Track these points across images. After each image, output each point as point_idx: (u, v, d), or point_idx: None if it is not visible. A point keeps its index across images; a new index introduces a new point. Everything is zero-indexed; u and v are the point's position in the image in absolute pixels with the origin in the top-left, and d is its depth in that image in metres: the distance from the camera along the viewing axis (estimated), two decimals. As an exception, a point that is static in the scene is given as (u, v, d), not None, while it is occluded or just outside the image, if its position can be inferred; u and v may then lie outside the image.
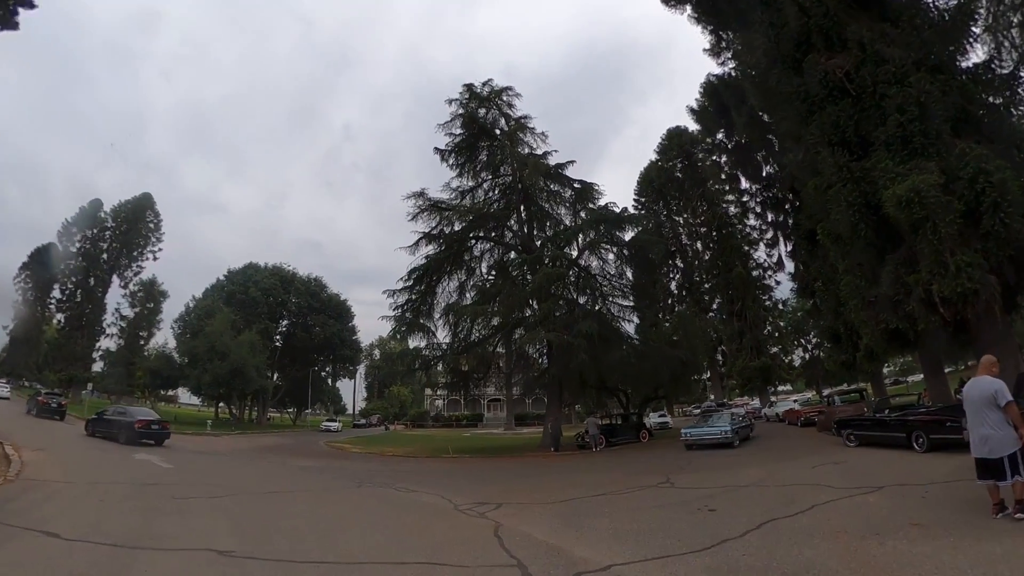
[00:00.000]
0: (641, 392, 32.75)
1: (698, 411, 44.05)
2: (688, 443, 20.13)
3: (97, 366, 60.77)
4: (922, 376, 24.70)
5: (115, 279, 60.31)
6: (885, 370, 45.07)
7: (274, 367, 64.74)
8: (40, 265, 56.89)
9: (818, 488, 9.58)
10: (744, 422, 23.18)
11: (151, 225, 62.60)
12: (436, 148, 30.32)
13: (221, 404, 58.83)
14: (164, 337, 70.03)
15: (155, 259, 62.61)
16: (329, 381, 78.69)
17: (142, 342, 61.39)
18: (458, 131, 29.96)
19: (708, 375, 53.80)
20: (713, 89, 36.02)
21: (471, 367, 31.01)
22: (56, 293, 58.83)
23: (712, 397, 56.57)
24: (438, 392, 67.21)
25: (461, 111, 29.61)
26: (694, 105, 40.16)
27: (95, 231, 59.68)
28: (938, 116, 15.53)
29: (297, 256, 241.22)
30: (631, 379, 28.66)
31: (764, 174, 38.60)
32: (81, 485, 11.65)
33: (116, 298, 60.46)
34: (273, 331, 63.99)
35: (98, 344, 59.81)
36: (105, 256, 59.71)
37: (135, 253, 61.44)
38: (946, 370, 21.87)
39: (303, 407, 74.85)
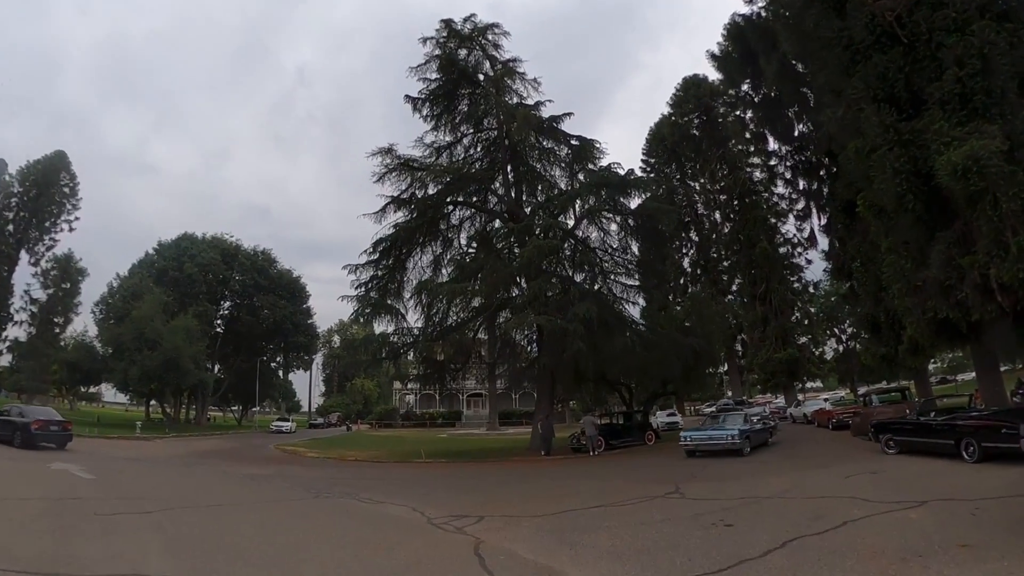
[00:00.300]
0: (647, 387, 33.04)
1: (711, 409, 44.52)
2: (689, 448, 20.09)
3: (4, 360, 60.02)
4: (974, 375, 25.06)
5: (23, 255, 59.00)
6: (931, 366, 45.66)
7: (215, 357, 64.50)
8: (-72, 239, 55.74)
9: (851, 501, 9.73)
10: (762, 424, 23.37)
11: (66, 190, 61.22)
12: (407, 96, 30.01)
13: (153, 402, 58.54)
14: (84, 324, 69.05)
15: (71, 230, 61.44)
16: (280, 373, 78.65)
17: (57, 330, 60.28)
18: (434, 76, 29.61)
19: (725, 368, 54.39)
20: (739, 31, 35.76)
21: (448, 356, 31.06)
22: (-50, 273, 57.84)
23: (730, 394, 57.34)
24: (409, 386, 67.32)
25: (438, 52, 29.22)
26: (715, 50, 39.90)
27: (-2, 197, 58.52)
28: (1004, 72, 15.52)
29: (241, 225, 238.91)
30: (635, 371, 28.86)
31: (796, 134, 38.54)
32: (-16, 501, 11.56)
33: (25, 278, 58.95)
34: (213, 314, 63.64)
35: (5, 334, 58.74)
36: (11, 228, 58.28)
37: (47, 223, 60.08)
38: (1002, 368, 22.15)
39: (250, 404, 74.73)
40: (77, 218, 61.37)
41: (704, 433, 20.58)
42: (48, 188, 59.34)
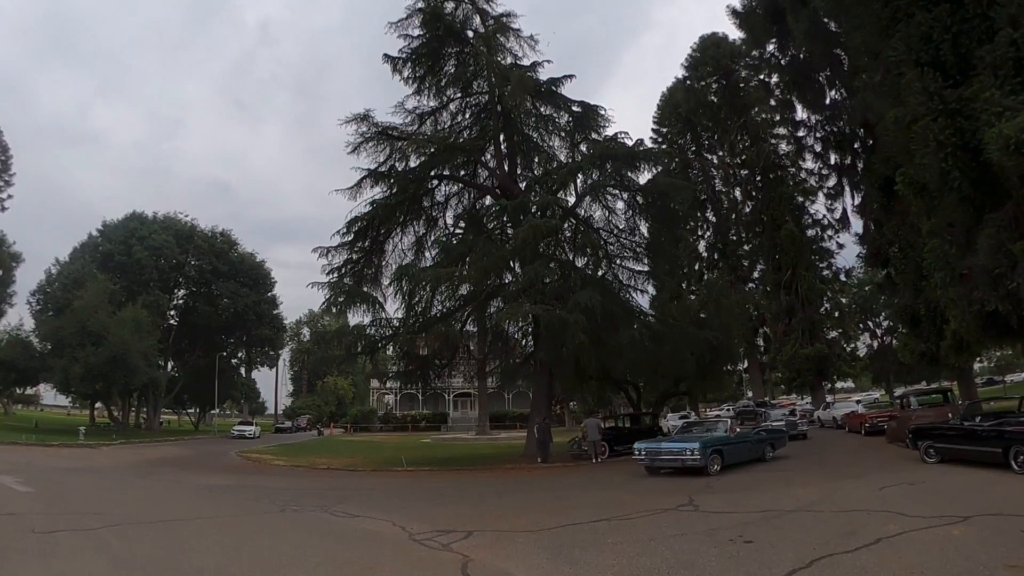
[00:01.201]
0: (656, 386, 33.19)
1: (728, 411, 44.79)
2: (646, 464, 18.95)
3: None
4: (1024, 376, 25.21)
5: (-53, 238, 58.97)
6: (977, 365, 45.97)
7: (168, 353, 64.45)
8: None
9: (887, 516, 9.81)
10: (759, 432, 22.01)
11: (-4, 164, 61.05)
12: (387, 55, 29.74)
13: (98, 405, 58.48)
14: (18, 316, 68.73)
15: (3, 209, 60.61)
16: (242, 371, 78.84)
17: (-12, 323, 60.22)
18: (417, 32, 29.35)
19: (745, 366, 54.63)
20: (765, -18, 35.81)
21: (432, 351, 31.02)
22: None
23: (750, 394, 57.57)
24: (388, 385, 67.30)
25: (421, 5, 28.97)
26: (737, 5, 40.00)
27: (-81, 173, 58.07)
28: (1064, 35, 15.53)
29: (198, 203, 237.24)
30: (644, 368, 28.95)
31: (828, 101, 38.66)
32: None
33: (-50, 264, 59.14)
34: (166, 304, 63.50)
35: (-74, 329, 58.72)
36: (-65, 208, 58.22)
37: (-26, 202, 59.97)
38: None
39: (208, 407, 74.82)
40: (10, 196, 60.52)
41: (658, 446, 19.26)
42: (-25, 163, 58.92)
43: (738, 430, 21.06)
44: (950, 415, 19.45)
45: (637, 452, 19.07)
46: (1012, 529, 8.52)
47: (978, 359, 41.20)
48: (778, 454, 20.92)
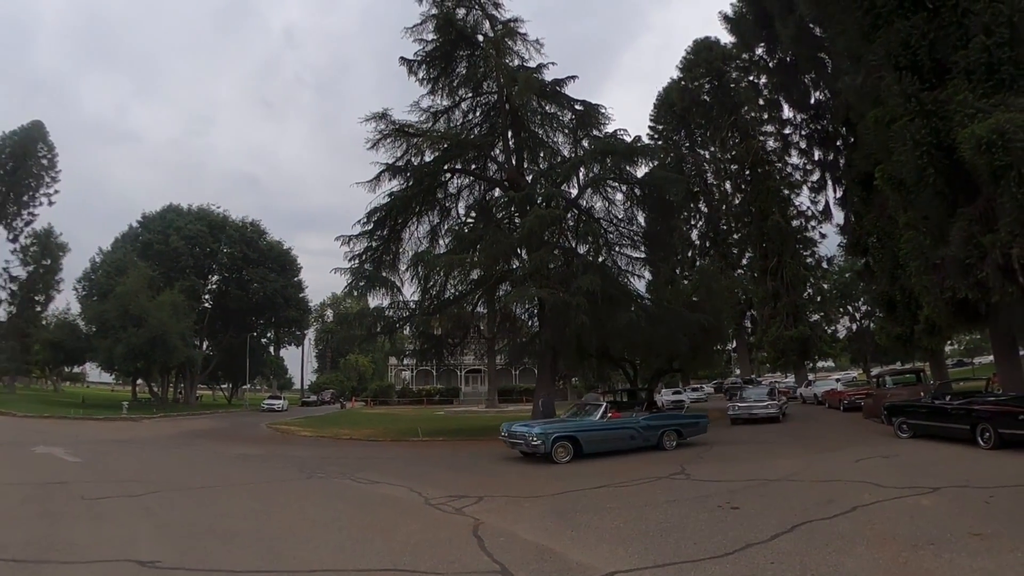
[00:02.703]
0: (652, 364, 33.20)
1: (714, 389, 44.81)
2: (507, 440, 17.57)
3: None
4: (992, 358, 25.14)
5: (1, 230, 59.15)
6: (948, 348, 45.87)
7: (203, 334, 64.65)
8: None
9: (862, 486, 9.88)
10: (658, 420, 19.04)
11: (44, 162, 60.90)
12: (403, 58, 29.60)
13: (139, 381, 58.74)
14: (66, 301, 69.46)
15: (51, 204, 61.23)
16: (271, 349, 79.07)
17: (38, 308, 60.30)
18: (430, 36, 29.15)
19: (734, 345, 54.67)
20: (753, -9, 35.46)
21: (445, 330, 31.05)
22: (-74, 252, 57.68)
23: (738, 372, 57.72)
24: (405, 362, 67.62)
25: (434, 11, 28.80)
26: (728, 11, 39.66)
27: (-29, 172, 58.20)
28: (1034, 41, 15.40)
29: (229, 195, 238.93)
30: (640, 347, 28.94)
31: (812, 101, 38.36)
32: (-33, 489, 11.74)
33: (4, 255, 59.13)
34: (201, 289, 63.64)
35: (-18, 314, 59.08)
36: (-13, 202, 58.38)
37: (25, 197, 59.86)
38: (1021, 352, 22.21)
39: (240, 382, 75.15)
40: (56, 191, 61.25)
41: (511, 427, 17.94)
42: (25, 160, 58.97)
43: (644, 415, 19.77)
44: (922, 394, 19.55)
45: (503, 432, 18.00)
46: (977, 499, 8.58)
47: (949, 342, 41.07)
48: (699, 440, 18.73)
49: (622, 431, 17.39)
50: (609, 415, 17.71)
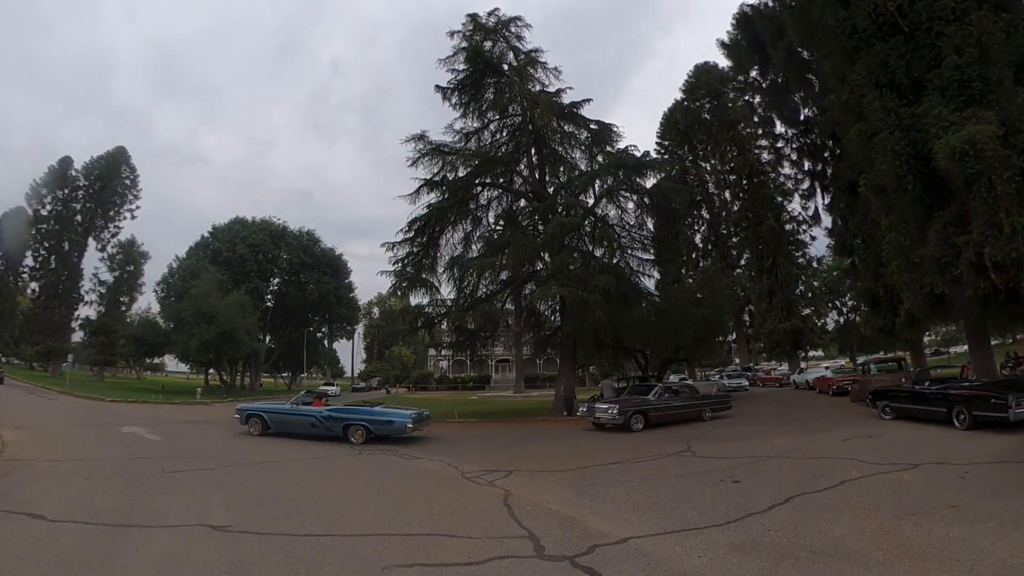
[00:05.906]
0: (661, 353, 32.95)
1: (716, 377, 44.33)
2: None
3: (77, 336, 61.65)
4: (966, 347, 24.68)
5: (91, 242, 60.59)
6: (926, 339, 45.07)
7: (266, 329, 65.63)
8: (8, 231, 57.04)
9: (850, 462, 9.75)
10: None
11: (127, 181, 62.52)
12: (437, 86, 29.74)
13: (211, 371, 59.79)
14: (147, 302, 71.18)
15: (133, 218, 62.99)
16: (326, 343, 79.80)
17: (123, 308, 61.82)
18: (461, 67, 29.30)
19: (734, 337, 54.12)
20: (747, 20, 35.05)
21: (478, 325, 31.11)
22: (28, 261, 59.42)
23: (737, 360, 57.11)
24: (442, 352, 67.99)
25: (464, 44, 28.92)
26: (725, 38, 39.22)
27: (66, 191, 59.77)
28: (1000, 60, 15.12)
29: (286, 208, 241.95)
30: (650, 339, 28.74)
31: (802, 118, 37.86)
32: (66, 463, 12.03)
33: (93, 262, 60.91)
34: (264, 290, 64.63)
35: (76, 313, 60.53)
36: (79, 218, 59.82)
37: (111, 213, 61.51)
38: (993, 343, 21.80)
39: (298, 371, 76.06)
40: (138, 207, 63.06)
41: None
42: (111, 181, 60.67)
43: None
44: (903, 380, 19.22)
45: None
46: (953, 475, 8.45)
47: (927, 333, 40.38)
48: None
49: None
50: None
